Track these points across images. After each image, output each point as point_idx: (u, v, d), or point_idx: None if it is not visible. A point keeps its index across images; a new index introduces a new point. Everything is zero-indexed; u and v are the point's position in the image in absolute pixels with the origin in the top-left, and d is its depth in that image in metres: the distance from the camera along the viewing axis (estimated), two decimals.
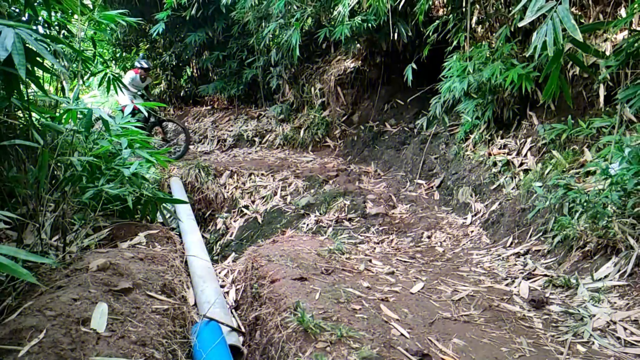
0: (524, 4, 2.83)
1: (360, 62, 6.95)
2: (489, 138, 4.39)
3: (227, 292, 2.84)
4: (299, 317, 1.91)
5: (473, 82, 4.01)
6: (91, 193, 2.57)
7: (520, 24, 2.62)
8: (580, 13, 3.56)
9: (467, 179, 4.48)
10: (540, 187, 3.26)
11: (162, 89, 10.24)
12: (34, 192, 2.28)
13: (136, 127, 4.15)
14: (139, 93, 6.54)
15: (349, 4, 5.22)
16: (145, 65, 6.43)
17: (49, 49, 1.93)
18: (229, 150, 7.91)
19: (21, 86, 2.14)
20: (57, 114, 2.69)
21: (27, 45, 1.79)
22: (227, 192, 5.87)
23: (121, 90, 4.71)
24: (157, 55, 9.93)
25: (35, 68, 2.25)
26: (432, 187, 4.99)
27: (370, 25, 5.39)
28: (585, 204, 2.67)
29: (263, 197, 5.48)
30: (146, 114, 6.30)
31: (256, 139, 7.96)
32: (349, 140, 6.94)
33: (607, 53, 3.10)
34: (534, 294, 2.50)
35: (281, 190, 5.51)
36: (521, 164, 3.87)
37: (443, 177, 4.91)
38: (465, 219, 4.11)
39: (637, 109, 2.76)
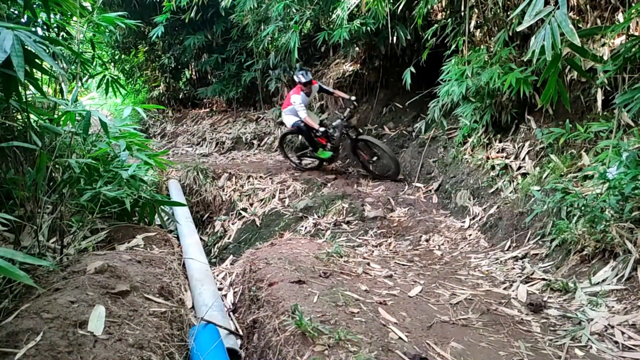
0: (522, 8, 2.85)
1: (358, 65, 6.97)
2: (487, 142, 4.41)
3: (225, 295, 2.84)
4: (297, 320, 1.90)
5: (471, 86, 4.02)
6: (89, 195, 2.57)
7: (519, 29, 2.64)
8: (578, 18, 3.58)
9: (465, 182, 4.48)
10: (538, 191, 3.26)
11: (161, 92, 10.24)
12: (32, 194, 2.27)
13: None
14: (308, 105, 5.85)
15: (347, 7, 5.24)
16: (303, 80, 5.50)
17: (47, 51, 1.93)
18: (228, 152, 7.91)
19: (20, 88, 2.14)
20: (56, 116, 2.68)
21: (25, 47, 1.79)
22: (225, 194, 5.87)
23: (293, 111, 5.59)
24: (156, 57, 9.94)
25: (34, 70, 2.26)
26: (430, 190, 4.99)
27: (369, 28, 5.41)
28: (583, 208, 2.67)
29: (261, 200, 5.48)
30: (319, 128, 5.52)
31: (255, 142, 7.96)
32: (347, 143, 6.94)
33: (605, 58, 3.11)
34: (532, 298, 2.50)
35: (279, 193, 5.50)
36: (519, 168, 3.87)
37: (441, 181, 4.91)
38: (464, 222, 4.11)
39: (634, 113, 2.76)
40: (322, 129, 5.42)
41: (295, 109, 5.60)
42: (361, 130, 5.83)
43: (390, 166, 5.53)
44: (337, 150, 5.81)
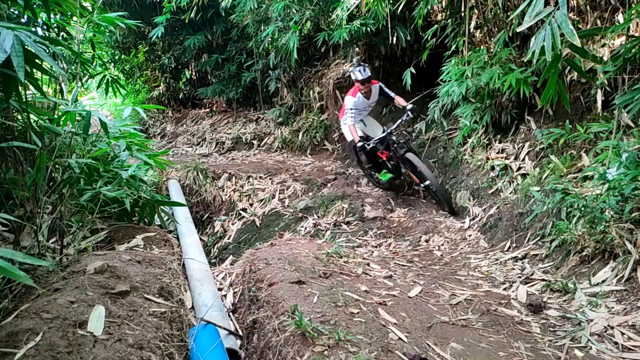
0: (522, 9, 2.85)
1: None
2: (487, 142, 4.41)
3: (225, 295, 2.84)
4: (296, 320, 1.90)
5: (471, 87, 4.02)
6: (89, 195, 2.57)
7: (519, 29, 2.64)
8: (578, 19, 3.58)
9: (465, 183, 4.48)
10: (538, 191, 3.26)
11: (161, 92, 10.24)
12: (32, 194, 2.27)
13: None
14: (367, 110, 4.98)
15: (347, 7, 5.24)
16: (360, 76, 4.52)
17: (47, 51, 1.93)
18: (228, 153, 7.91)
19: (20, 88, 2.14)
20: (56, 116, 2.68)
21: (26, 47, 1.79)
22: (225, 195, 5.86)
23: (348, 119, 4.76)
24: (156, 58, 9.94)
25: (34, 70, 2.26)
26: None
27: (369, 29, 5.41)
28: (582, 208, 2.67)
29: (261, 200, 5.48)
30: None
31: (254, 142, 7.96)
32: (347, 143, 6.94)
33: (605, 58, 3.11)
34: (532, 299, 2.50)
35: (279, 193, 5.50)
36: (519, 169, 3.88)
37: (441, 181, 4.91)
38: (463, 223, 4.11)
39: (634, 114, 2.76)
40: (360, 143, 4.60)
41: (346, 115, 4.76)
42: (410, 147, 4.76)
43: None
44: (398, 172, 4.86)
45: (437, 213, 4.55)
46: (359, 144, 4.60)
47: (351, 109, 4.67)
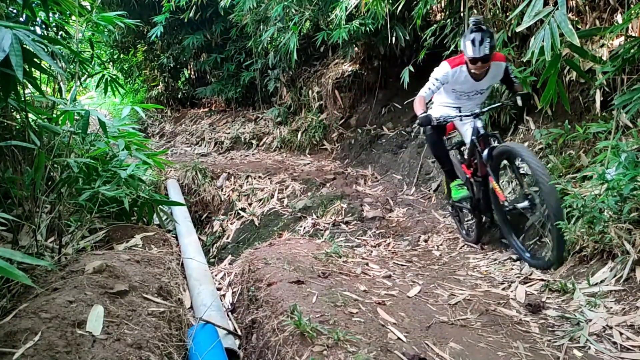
0: (522, 9, 2.85)
1: (357, 65, 6.97)
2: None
3: (224, 295, 2.83)
4: (295, 320, 1.90)
5: None
6: (87, 195, 2.56)
7: (518, 29, 2.64)
8: (577, 19, 3.58)
9: None
10: (537, 191, 3.26)
11: (160, 91, 10.23)
12: (30, 193, 2.26)
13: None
14: (472, 96, 3.38)
15: (347, 7, 5.24)
16: (471, 53, 3.00)
17: (46, 50, 1.93)
18: (226, 152, 7.91)
19: (18, 87, 2.14)
20: (54, 115, 2.68)
21: (24, 46, 1.79)
22: (224, 194, 5.86)
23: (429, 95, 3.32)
24: (154, 57, 9.93)
25: (33, 69, 2.25)
26: (429, 190, 4.99)
27: (368, 29, 5.41)
28: (581, 208, 2.67)
29: (260, 200, 5.47)
30: None
31: (253, 142, 7.96)
32: (346, 143, 6.95)
33: (604, 59, 3.12)
34: (531, 299, 2.51)
35: (278, 193, 5.50)
36: (518, 169, 3.87)
37: (440, 181, 4.91)
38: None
39: (633, 114, 2.77)
40: (422, 113, 3.18)
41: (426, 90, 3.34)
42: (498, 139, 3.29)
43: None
44: (484, 194, 3.40)
45: (436, 213, 4.54)
46: (421, 115, 3.16)
47: (436, 79, 3.28)
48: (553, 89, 2.57)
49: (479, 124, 3.28)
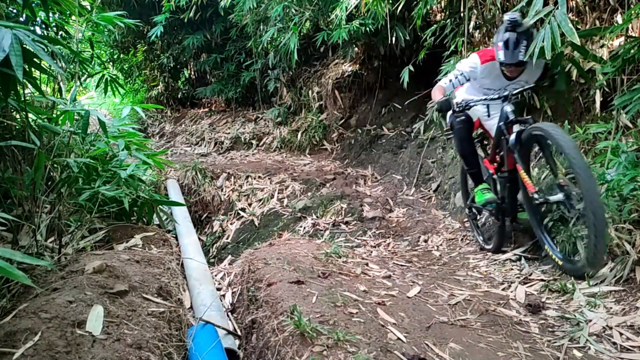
0: (520, 8, 2.86)
1: (357, 65, 6.97)
2: (486, 142, 4.40)
3: (224, 295, 2.83)
4: (295, 320, 1.90)
5: None
6: (87, 195, 2.56)
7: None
8: (577, 19, 3.58)
9: None
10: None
11: (160, 91, 10.24)
12: (30, 193, 2.26)
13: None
14: (501, 93, 2.87)
15: (347, 8, 5.24)
16: (502, 58, 2.71)
17: (46, 50, 1.93)
18: (226, 152, 7.91)
19: (18, 87, 2.14)
20: (54, 115, 2.68)
21: (24, 46, 1.79)
22: (224, 194, 5.86)
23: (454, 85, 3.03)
24: (154, 57, 9.93)
25: (33, 69, 2.25)
26: (428, 190, 5.00)
27: (368, 29, 5.41)
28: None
29: (260, 200, 5.47)
30: None
31: (253, 142, 7.96)
32: (346, 143, 6.95)
33: (604, 59, 3.12)
34: (531, 299, 2.51)
35: (278, 193, 5.50)
36: None
37: (440, 181, 4.92)
38: (462, 223, 4.11)
39: (633, 115, 2.77)
40: (440, 98, 2.91)
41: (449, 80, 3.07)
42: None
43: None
44: (511, 199, 3.09)
45: (436, 213, 4.54)
46: (441, 100, 2.87)
47: (462, 72, 3.00)
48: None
49: (509, 108, 2.84)
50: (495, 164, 3.19)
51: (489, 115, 3.06)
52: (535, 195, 2.74)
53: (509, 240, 3.36)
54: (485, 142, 3.55)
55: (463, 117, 3.07)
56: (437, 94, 3.02)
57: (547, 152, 2.75)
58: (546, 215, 2.94)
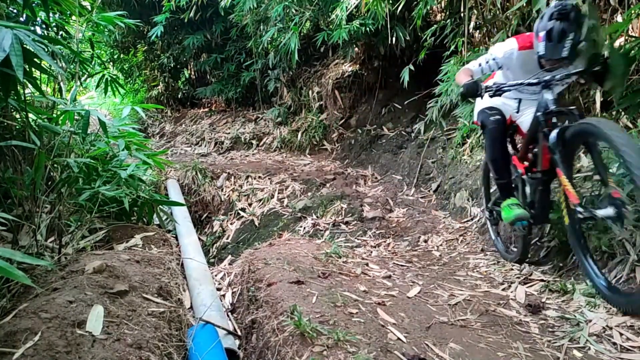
0: (519, 6, 2.86)
1: (358, 66, 6.97)
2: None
3: (224, 295, 2.83)
4: (295, 320, 1.90)
5: None
6: (87, 195, 2.56)
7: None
8: None
9: (464, 183, 4.48)
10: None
11: (160, 91, 10.24)
12: (30, 193, 2.26)
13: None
14: (540, 77, 2.40)
15: (347, 8, 5.24)
16: (541, 50, 2.27)
17: (46, 50, 1.93)
18: (226, 152, 7.91)
19: (18, 87, 2.14)
20: (54, 115, 2.68)
21: (24, 46, 1.79)
22: (224, 194, 5.86)
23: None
24: (155, 57, 9.93)
25: (33, 69, 2.25)
26: (429, 191, 5.00)
27: (368, 29, 5.41)
28: None
29: (260, 200, 5.47)
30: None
31: (253, 142, 7.96)
32: (346, 143, 6.95)
33: None
34: (531, 299, 2.51)
35: (278, 193, 5.50)
36: None
37: (440, 181, 4.92)
38: (462, 223, 4.12)
39: (633, 115, 2.77)
40: (469, 80, 2.47)
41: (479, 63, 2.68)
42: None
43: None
44: (541, 210, 2.66)
45: (436, 213, 4.54)
46: (467, 82, 2.45)
47: (494, 58, 2.60)
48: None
49: (549, 95, 2.36)
50: (526, 162, 2.74)
51: (518, 111, 2.69)
52: (579, 208, 2.22)
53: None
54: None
55: (498, 116, 2.66)
56: (462, 77, 2.59)
57: (596, 155, 2.24)
58: (588, 234, 2.44)
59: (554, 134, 2.32)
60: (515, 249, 2.96)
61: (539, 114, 2.43)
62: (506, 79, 2.69)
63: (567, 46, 2.20)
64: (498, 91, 2.43)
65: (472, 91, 2.43)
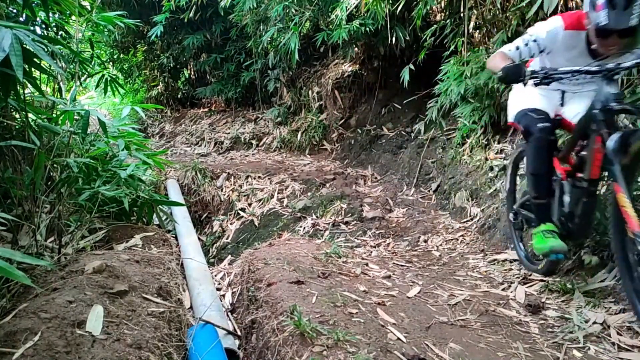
0: (518, 7, 2.86)
1: (357, 66, 6.97)
2: (486, 143, 4.41)
3: (224, 295, 2.83)
4: (295, 320, 1.90)
5: (470, 86, 4.03)
6: (87, 195, 2.56)
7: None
8: None
9: (463, 183, 4.48)
10: None
11: (160, 91, 10.23)
12: (30, 193, 2.26)
13: None
14: (588, 81, 2.22)
15: (347, 8, 5.24)
16: (603, 19, 1.83)
17: (46, 50, 1.93)
18: (226, 152, 7.90)
19: (18, 87, 2.13)
20: (54, 115, 2.68)
21: (24, 46, 1.79)
22: (224, 194, 5.86)
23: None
24: (154, 57, 9.93)
25: (33, 69, 2.25)
26: (428, 191, 5.00)
27: (368, 29, 5.41)
28: None
29: (260, 200, 5.47)
30: None
31: (253, 142, 7.96)
32: (346, 143, 6.95)
33: None
34: (530, 299, 2.51)
35: (278, 193, 5.50)
36: None
37: (440, 181, 4.92)
38: (462, 223, 4.12)
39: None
40: (510, 63, 2.07)
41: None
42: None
43: None
44: (580, 230, 2.30)
45: (436, 213, 4.54)
46: (506, 66, 2.03)
47: (535, 40, 2.18)
48: None
49: (611, 88, 1.95)
50: (567, 165, 2.34)
51: (562, 104, 2.30)
52: None
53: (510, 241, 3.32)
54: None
55: (547, 124, 2.22)
56: (497, 61, 2.17)
57: None
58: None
59: (614, 139, 1.89)
60: (541, 260, 2.62)
61: (596, 110, 2.00)
62: (550, 58, 2.25)
63: (637, 13, 1.79)
64: (547, 78, 2.00)
65: (514, 75, 2.00)
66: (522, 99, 2.42)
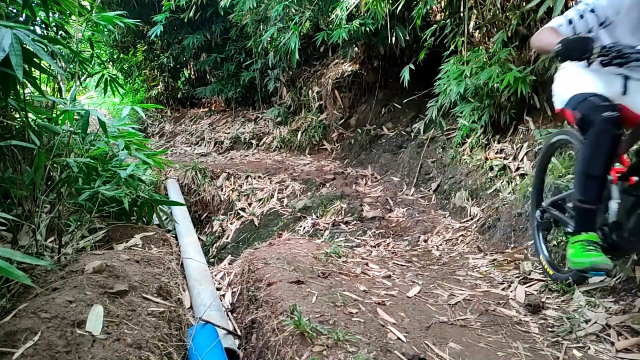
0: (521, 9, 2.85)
1: (357, 65, 6.97)
2: (486, 142, 4.41)
3: (223, 295, 2.83)
4: (295, 320, 1.90)
5: (470, 86, 4.03)
6: (87, 194, 2.56)
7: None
8: None
9: (463, 183, 4.48)
10: None
11: (160, 91, 10.23)
12: (30, 193, 2.26)
13: None
14: None
15: (347, 7, 5.24)
16: None
17: (46, 50, 1.93)
18: (226, 152, 7.90)
19: (18, 87, 2.14)
20: (54, 115, 2.68)
21: (24, 46, 1.78)
22: (224, 194, 5.86)
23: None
24: (154, 57, 9.93)
25: (33, 69, 2.25)
26: (428, 190, 5.00)
27: (368, 29, 5.41)
28: None
29: (260, 200, 5.47)
30: None
31: (253, 142, 7.96)
32: (346, 143, 6.95)
33: None
34: (530, 299, 2.51)
35: (278, 193, 5.50)
36: (517, 169, 3.88)
37: (440, 181, 4.92)
38: (462, 223, 4.12)
39: None
40: (556, 39, 1.69)
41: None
42: None
43: None
44: (630, 247, 1.97)
45: (436, 213, 4.54)
46: (569, 39, 1.66)
47: (592, 9, 1.80)
48: None
49: None
50: (621, 166, 2.02)
51: (625, 93, 1.89)
52: None
53: (509, 240, 3.30)
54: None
55: (614, 113, 1.77)
56: (547, 36, 1.80)
57: None
58: None
59: None
60: (567, 268, 2.29)
61: None
62: (611, 30, 1.84)
63: None
64: (620, 57, 1.59)
65: (578, 51, 1.59)
66: (576, 81, 1.95)
